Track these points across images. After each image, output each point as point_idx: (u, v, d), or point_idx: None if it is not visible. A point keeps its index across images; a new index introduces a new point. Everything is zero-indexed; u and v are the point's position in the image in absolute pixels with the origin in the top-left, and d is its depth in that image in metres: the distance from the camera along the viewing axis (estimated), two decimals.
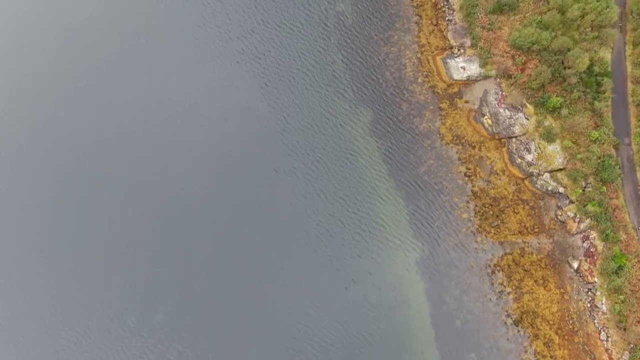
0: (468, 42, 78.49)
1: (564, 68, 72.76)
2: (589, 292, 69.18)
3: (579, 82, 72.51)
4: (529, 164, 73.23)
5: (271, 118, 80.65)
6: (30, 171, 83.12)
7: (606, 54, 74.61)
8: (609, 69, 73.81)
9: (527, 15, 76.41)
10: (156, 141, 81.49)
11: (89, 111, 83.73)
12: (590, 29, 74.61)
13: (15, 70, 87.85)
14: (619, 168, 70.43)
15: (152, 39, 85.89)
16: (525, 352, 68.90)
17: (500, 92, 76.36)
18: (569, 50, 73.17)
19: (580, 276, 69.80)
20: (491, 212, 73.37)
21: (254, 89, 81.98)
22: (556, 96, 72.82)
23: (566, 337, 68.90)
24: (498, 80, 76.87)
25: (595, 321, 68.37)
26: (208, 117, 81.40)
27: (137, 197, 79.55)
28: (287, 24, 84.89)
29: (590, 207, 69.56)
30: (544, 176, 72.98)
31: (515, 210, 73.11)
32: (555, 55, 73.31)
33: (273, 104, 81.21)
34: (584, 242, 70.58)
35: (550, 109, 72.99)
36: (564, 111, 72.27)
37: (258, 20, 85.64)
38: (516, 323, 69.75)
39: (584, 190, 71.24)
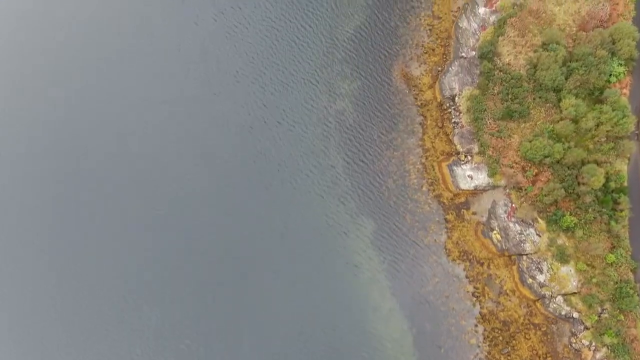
0: (475, 149, 74.55)
1: (578, 184, 68.72)
2: None
3: (594, 200, 68.35)
4: (541, 285, 69.30)
5: (270, 225, 77.69)
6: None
7: (622, 167, 70.23)
8: (625, 183, 69.57)
9: (538, 123, 72.15)
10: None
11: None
12: (605, 138, 70.44)
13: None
14: (637, 295, 66.17)
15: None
16: None
17: (510, 204, 72.47)
18: (582, 163, 69.14)
19: None
20: (501, 338, 69.68)
21: (253, 193, 79.10)
22: (570, 214, 68.68)
23: None
24: (507, 190, 72.96)
25: None
26: (203, 216, 78.66)
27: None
28: (287, 122, 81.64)
29: (606, 338, 65.56)
30: (557, 299, 69.04)
31: (527, 336, 69.34)
32: (568, 169, 69.27)
33: (272, 210, 78.22)
34: None
35: (564, 228, 68.98)
36: (579, 232, 68.13)
37: (257, 117, 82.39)
38: None
39: (599, 317, 67.17)
